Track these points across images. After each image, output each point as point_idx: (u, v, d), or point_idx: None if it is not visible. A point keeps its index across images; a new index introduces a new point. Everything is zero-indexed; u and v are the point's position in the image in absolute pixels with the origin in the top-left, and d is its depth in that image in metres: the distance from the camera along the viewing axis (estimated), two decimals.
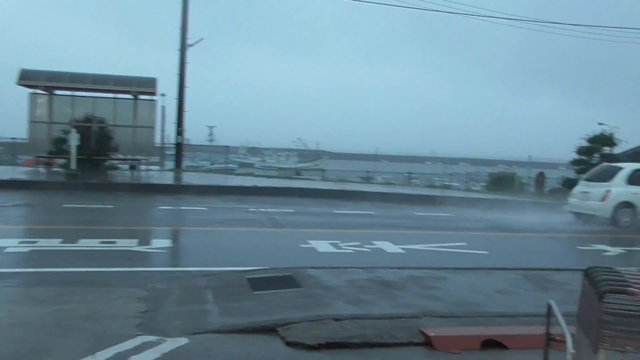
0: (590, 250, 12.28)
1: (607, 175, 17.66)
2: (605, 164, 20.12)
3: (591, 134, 30.48)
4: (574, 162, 30.80)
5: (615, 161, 30.20)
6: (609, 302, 3.35)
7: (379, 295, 6.97)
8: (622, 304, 3.39)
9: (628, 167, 17.69)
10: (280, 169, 65.65)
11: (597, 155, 30.21)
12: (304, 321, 5.68)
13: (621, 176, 17.19)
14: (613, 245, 13.09)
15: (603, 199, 17.07)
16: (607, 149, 30.45)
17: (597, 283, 3.30)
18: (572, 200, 18.77)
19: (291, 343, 5.23)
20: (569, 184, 30.84)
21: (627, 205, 16.88)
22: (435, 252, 10.85)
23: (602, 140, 30.19)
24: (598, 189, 17.44)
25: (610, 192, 17.01)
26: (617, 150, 31.77)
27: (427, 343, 5.33)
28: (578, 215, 18.34)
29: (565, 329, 3.67)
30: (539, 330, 4.74)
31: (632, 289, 3.19)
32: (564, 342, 3.61)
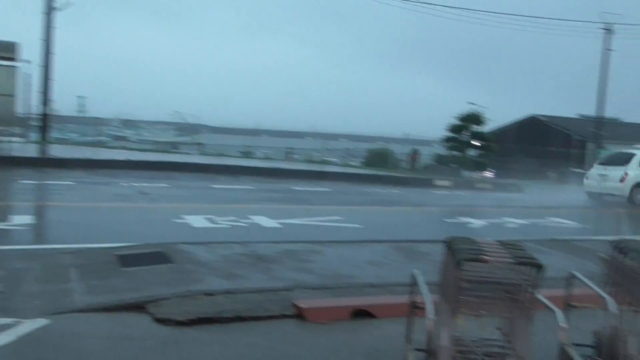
0: (456, 222, 13.00)
1: (623, 160, 20.24)
2: (619, 150, 22.32)
3: (462, 113, 32.12)
4: (446, 139, 32.37)
5: (483, 139, 32.13)
6: (465, 270, 3.55)
7: (253, 270, 6.99)
8: (477, 271, 3.61)
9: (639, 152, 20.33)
10: (156, 142, 63.76)
11: (466, 133, 31.92)
12: (175, 297, 5.58)
13: (635, 161, 19.84)
14: (477, 218, 13.95)
15: (622, 180, 19.68)
16: (476, 127, 32.25)
17: (455, 252, 3.49)
18: (588, 181, 21.31)
19: (160, 319, 5.12)
20: (441, 160, 32.49)
21: None
22: (312, 226, 11.02)
23: (471, 119, 31.93)
24: (616, 172, 19.99)
25: (628, 174, 19.68)
26: (485, 128, 33.76)
27: (299, 315, 5.42)
28: (594, 195, 20.94)
29: (426, 296, 3.85)
30: (406, 298, 4.96)
31: (485, 257, 3.40)
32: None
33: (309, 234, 10.04)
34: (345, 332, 5.09)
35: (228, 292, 5.87)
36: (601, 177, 20.58)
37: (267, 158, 37.00)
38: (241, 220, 10.89)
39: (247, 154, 40.51)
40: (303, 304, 5.49)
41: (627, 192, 19.59)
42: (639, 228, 14.41)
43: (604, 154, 29.26)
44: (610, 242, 4.50)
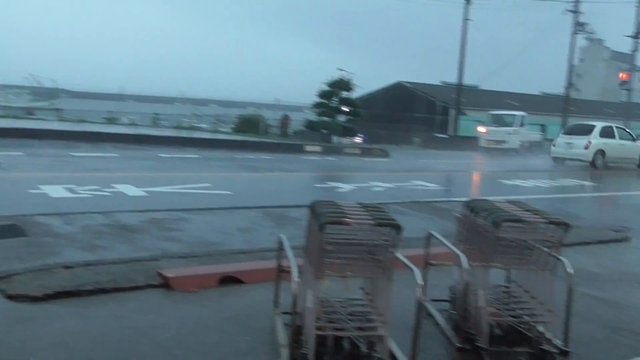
0: (326, 187, 13.31)
1: (585, 131, 24.68)
2: (580, 122, 27.83)
3: (331, 79, 32.56)
4: (316, 105, 32.74)
5: (352, 105, 32.85)
6: (328, 233, 3.65)
7: (117, 240, 6.76)
8: (339, 233, 3.72)
9: (599, 124, 25.28)
10: (8, 107, 59.19)
11: (336, 99, 32.44)
12: (29, 272, 5.27)
13: (596, 131, 24.40)
14: (346, 182, 14.35)
15: (586, 147, 24.07)
16: (345, 93, 32.86)
17: (318, 216, 3.56)
18: (556, 149, 25.67)
19: (13, 296, 4.82)
20: (311, 126, 32.88)
21: (600, 152, 24.14)
22: (179, 194, 10.81)
23: (340, 85, 32.46)
24: (580, 140, 24.35)
25: (591, 143, 24.11)
26: (354, 94, 34.47)
27: (166, 284, 5.32)
28: (560, 160, 25.31)
29: (291, 260, 3.93)
30: (274, 264, 5.03)
31: (347, 219, 3.51)
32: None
33: (176, 202, 9.85)
34: (213, 299, 5.07)
35: (89, 264, 5.64)
36: (568, 145, 24.72)
37: (132, 124, 35.63)
38: (104, 190, 10.47)
39: (111, 120, 38.76)
40: (169, 273, 5.40)
41: (590, 157, 23.89)
42: (493, 189, 15.47)
43: (493, 117, 35.66)
44: (464, 202, 4.80)
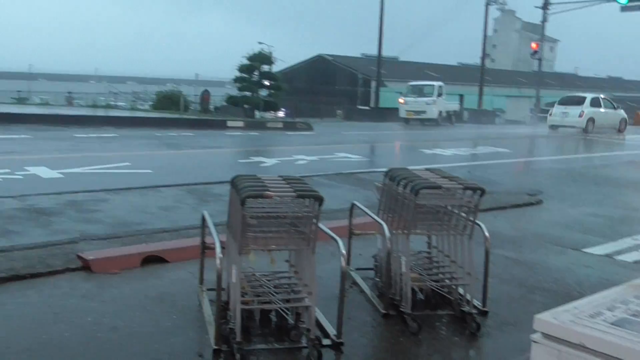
0: (250, 162, 13.22)
1: (578, 101, 29.42)
2: (573, 94, 31.86)
3: (251, 53, 32.17)
4: (237, 80, 32.32)
5: (273, 79, 32.63)
6: (250, 207, 3.63)
7: (32, 224, 6.50)
8: (262, 207, 3.72)
9: (589, 95, 30.11)
10: None
11: (256, 73, 32.12)
12: None
13: (587, 101, 29.18)
14: (270, 157, 14.31)
15: (580, 116, 28.80)
16: (266, 67, 32.57)
17: (240, 190, 3.54)
18: (552, 117, 30.38)
19: None
20: (233, 101, 32.48)
21: (591, 120, 28.98)
22: (98, 175, 10.48)
23: (261, 59, 32.14)
24: (575, 110, 29.10)
25: (584, 112, 28.84)
26: (275, 68, 34.22)
27: (86, 267, 5.17)
28: (556, 127, 30.04)
29: (214, 236, 3.89)
30: (197, 241, 4.97)
31: (269, 192, 3.50)
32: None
33: (95, 182, 9.53)
34: (136, 279, 4.98)
35: (1, 250, 5.40)
36: (563, 114, 29.44)
37: (45, 104, 34.15)
38: (16, 173, 10.00)
39: (21, 100, 37.00)
40: (89, 255, 5.24)
41: (584, 124, 28.55)
42: (414, 159, 15.80)
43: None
44: (384, 172, 4.88)
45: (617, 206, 9.71)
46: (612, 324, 1.64)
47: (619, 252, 6.75)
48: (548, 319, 1.68)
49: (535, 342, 1.69)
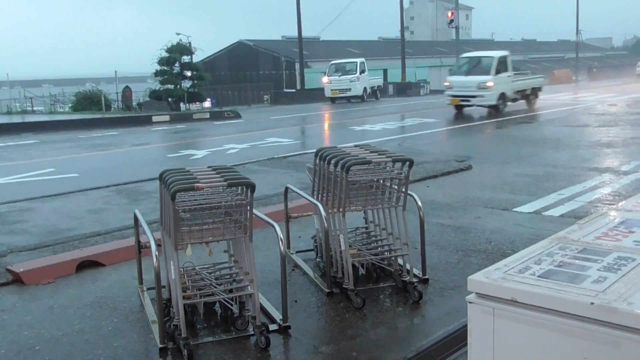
0: (180, 156, 13.00)
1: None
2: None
3: (170, 45, 31.53)
4: (157, 74, 31.65)
5: (194, 69, 32.09)
6: (181, 201, 3.59)
7: None
8: (194, 199, 3.67)
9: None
10: None
11: (177, 64, 31.54)
12: None
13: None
14: (199, 148, 14.12)
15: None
16: (186, 58, 32.02)
17: (169, 185, 3.48)
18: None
19: None
20: (156, 95, 31.81)
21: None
22: (20, 184, 10.07)
23: (180, 50, 31.56)
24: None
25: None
26: (195, 58, 33.68)
27: (17, 280, 5.00)
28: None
29: (148, 234, 3.82)
30: (132, 241, 4.87)
31: (198, 184, 3.46)
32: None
33: (18, 192, 9.16)
34: (72, 287, 4.84)
35: None
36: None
37: None
38: None
39: None
40: (19, 267, 5.06)
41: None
42: (344, 137, 15.94)
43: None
44: (314, 153, 4.89)
45: (540, 164, 10.09)
46: (539, 276, 1.72)
47: (546, 208, 7.04)
48: (480, 278, 1.74)
49: (470, 302, 1.75)
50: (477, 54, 23.72)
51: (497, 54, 22.01)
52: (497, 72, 20.82)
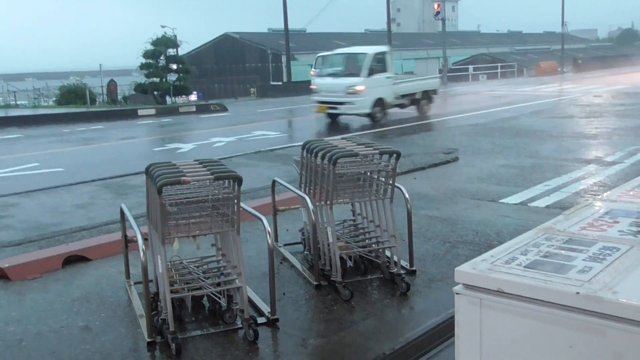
0: (166, 149, 12.95)
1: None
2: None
3: (155, 38, 31.32)
4: (143, 67, 31.44)
5: (180, 62, 31.90)
6: (168, 194, 3.58)
7: None
8: (180, 193, 3.66)
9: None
10: None
11: (162, 57, 31.36)
12: None
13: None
14: (186, 142, 14.06)
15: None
16: (171, 51, 31.84)
17: (155, 179, 3.47)
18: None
19: None
20: (142, 89, 31.62)
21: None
22: (4, 179, 9.99)
23: (165, 43, 31.37)
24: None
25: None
26: (181, 51, 33.50)
27: (3, 276, 4.96)
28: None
29: (135, 228, 3.81)
30: (119, 236, 4.85)
31: (185, 178, 3.45)
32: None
33: (2, 187, 9.08)
34: (59, 282, 4.81)
35: None
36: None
37: None
38: None
39: None
40: (4, 263, 5.02)
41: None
42: (333, 128, 15.93)
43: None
44: (301, 146, 4.89)
45: (526, 155, 10.15)
46: (525, 267, 1.73)
47: (532, 199, 7.09)
48: (467, 269, 1.75)
49: (457, 293, 1.76)
50: (347, 50, 19.25)
51: (372, 50, 17.66)
52: (371, 72, 16.65)
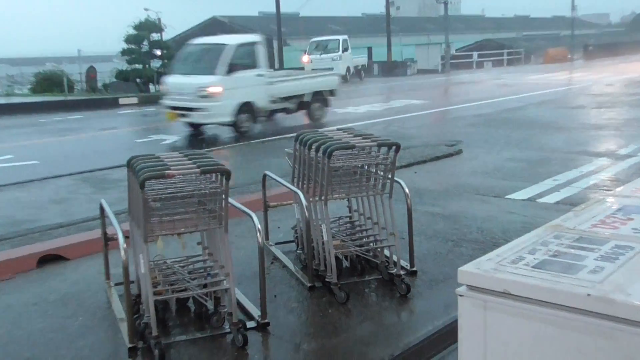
0: (149, 141, 12.93)
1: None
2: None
3: (137, 22, 31.14)
4: (124, 52, 31.30)
5: (165, 47, 31.77)
6: (151, 189, 3.56)
7: None
8: (164, 188, 3.65)
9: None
10: None
11: (146, 42, 31.22)
12: None
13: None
14: (171, 133, 14.02)
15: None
16: (155, 36, 31.69)
17: (138, 172, 3.45)
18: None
19: None
20: (124, 76, 31.48)
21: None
22: None
23: (149, 27, 31.19)
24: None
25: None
26: (166, 36, 33.33)
27: None
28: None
29: (116, 226, 3.79)
30: (99, 233, 4.83)
31: (170, 171, 3.43)
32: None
33: None
34: (34, 283, 4.80)
35: None
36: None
37: None
38: None
39: None
40: None
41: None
42: (325, 119, 15.91)
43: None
44: (294, 137, 4.88)
45: (533, 148, 10.17)
46: (533, 267, 1.73)
47: (541, 195, 7.11)
48: (471, 270, 1.74)
49: (461, 295, 1.76)
50: (205, 40, 16.15)
51: (235, 40, 15.10)
52: (233, 69, 13.86)
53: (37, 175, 9.10)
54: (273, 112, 14.91)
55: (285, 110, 15.29)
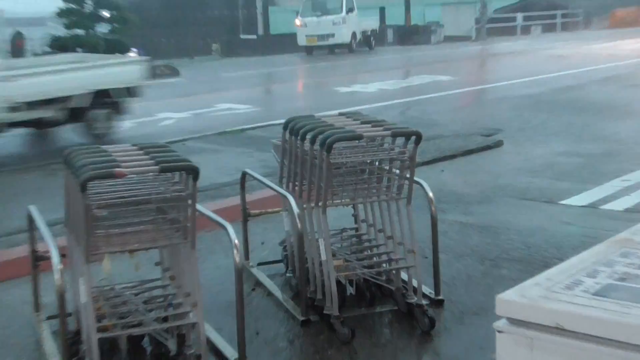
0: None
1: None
2: None
3: None
4: (62, 14, 31.27)
5: (115, 7, 31.76)
6: (96, 193, 3.55)
7: None
8: (113, 190, 3.63)
9: None
10: None
11: (90, 1, 31.20)
12: None
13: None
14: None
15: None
16: None
17: (78, 170, 3.44)
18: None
19: None
20: (60, 43, 31.45)
21: None
22: None
23: None
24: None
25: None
26: None
27: None
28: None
29: (49, 241, 3.79)
30: (26, 250, 4.83)
31: (120, 169, 3.42)
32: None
33: None
34: None
35: None
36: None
37: None
38: None
39: None
40: None
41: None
42: (326, 102, 15.93)
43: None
44: (283, 124, 4.86)
45: (596, 139, 10.18)
46: (594, 294, 1.73)
47: (605, 200, 7.11)
48: (514, 298, 1.74)
49: (500, 331, 1.75)
50: None
51: None
52: None
53: None
54: (12, 125, 11.55)
55: (37, 123, 12.01)
